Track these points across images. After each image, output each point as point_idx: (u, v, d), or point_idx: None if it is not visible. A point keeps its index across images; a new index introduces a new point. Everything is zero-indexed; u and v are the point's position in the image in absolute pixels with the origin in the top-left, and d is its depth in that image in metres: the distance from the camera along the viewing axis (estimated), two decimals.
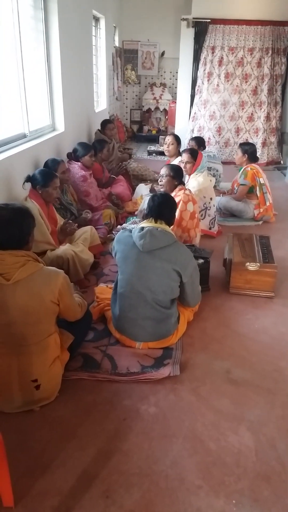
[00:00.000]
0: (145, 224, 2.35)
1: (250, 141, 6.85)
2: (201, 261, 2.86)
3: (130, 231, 2.39)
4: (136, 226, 2.38)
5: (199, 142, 5.21)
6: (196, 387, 2.10)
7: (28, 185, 2.89)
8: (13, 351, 1.77)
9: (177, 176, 3.31)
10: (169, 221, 2.43)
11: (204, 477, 1.64)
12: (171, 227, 2.50)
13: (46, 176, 2.87)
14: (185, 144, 6.25)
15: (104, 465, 1.66)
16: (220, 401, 2.02)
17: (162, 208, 2.38)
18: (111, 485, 1.59)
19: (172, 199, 2.54)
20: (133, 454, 1.72)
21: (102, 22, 6.41)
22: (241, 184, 4.48)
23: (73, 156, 4.01)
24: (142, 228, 2.29)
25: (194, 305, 2.54)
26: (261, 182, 4.42)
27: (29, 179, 2.87)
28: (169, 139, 4.53)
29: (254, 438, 1.82)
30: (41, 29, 3.81)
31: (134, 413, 1.93)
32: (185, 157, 4.01)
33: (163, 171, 3.35)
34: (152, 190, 4.52)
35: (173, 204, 2.50)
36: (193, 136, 6.53)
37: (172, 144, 4.49)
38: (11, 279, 1.67)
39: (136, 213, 4.32)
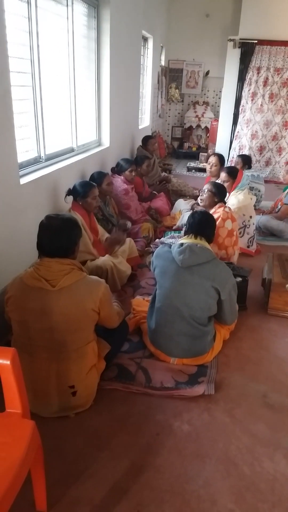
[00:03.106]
0: (185, 240, 2.37)
1: None
2: (239, 279, 2.83)
3: (170, 246, 2.41)
4: (175, 241, 2.39)
5: (245, 160, 5.18)
6: (230, 408, 2.06)
7: (70, 198, 2.97)
8: (53, 357, 1.82)
9: (218, 193, 3.30)
10: (209, 238, 2.45)
11: (236, 501, 1.59)
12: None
13: (84, 187, 2.94)
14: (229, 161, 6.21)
15: (136, 479, 1.66)
16: (255, 425, 1.96)
17: (202, 225, 2.40)
18: (142, 500, 1.58)
19: (212, 217, 2.56)
20: (165, 471, 1.70)
21: (150, 42, 6.59)
22: (286, 204, 4.41)
23: (116, 170, 4.12)
24: (182, 244, 2.30)
25: (230, 323, 2.51)
26: None
27: (70, 192, 2.95)
28: (213, 160, 4.45)
29: None
30: (93, 48, 3.97)
31: (167, 428, 1.91)
32: (222, 176, 3.99)
33: (206, 186, 3.36)
34: (193, 208, 4.51)
35: (213, 222, 2.51)
36: (239, 154, 6.53)
37: (215, 166, 4.41)
38: (56, 285, 1.73)
39: (174, 227, 4.35)
